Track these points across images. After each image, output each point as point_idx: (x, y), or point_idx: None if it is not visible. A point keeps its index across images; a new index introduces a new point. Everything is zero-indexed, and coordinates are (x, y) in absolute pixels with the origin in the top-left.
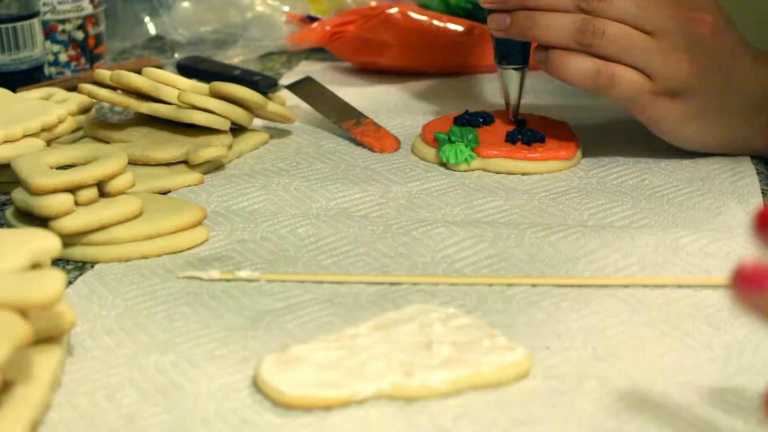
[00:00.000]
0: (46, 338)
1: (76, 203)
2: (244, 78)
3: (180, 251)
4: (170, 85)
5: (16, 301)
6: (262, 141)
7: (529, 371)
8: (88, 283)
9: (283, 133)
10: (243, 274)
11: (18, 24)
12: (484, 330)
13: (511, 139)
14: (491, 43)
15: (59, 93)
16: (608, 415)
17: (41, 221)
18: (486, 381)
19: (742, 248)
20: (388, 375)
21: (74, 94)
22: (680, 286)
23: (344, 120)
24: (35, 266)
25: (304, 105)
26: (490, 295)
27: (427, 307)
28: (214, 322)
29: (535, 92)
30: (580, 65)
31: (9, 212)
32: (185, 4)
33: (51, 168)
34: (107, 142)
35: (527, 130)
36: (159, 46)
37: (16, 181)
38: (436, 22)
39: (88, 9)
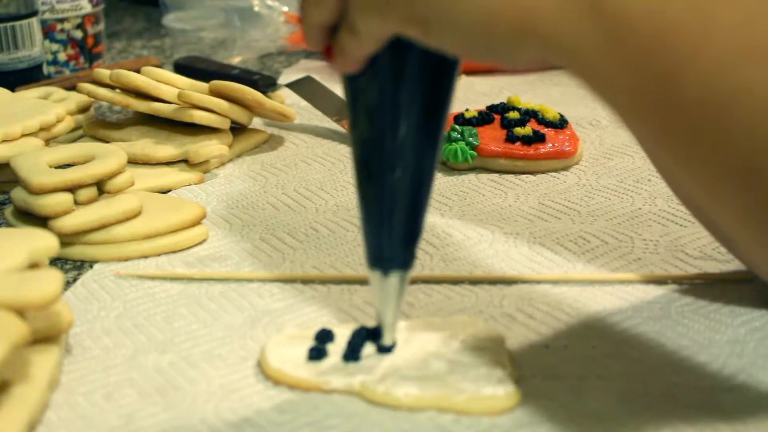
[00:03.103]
0: (44, 338)
1: (76, 202)
2: (243, 77)
3: (179, 250)
4: (169, 84)
5: (13, 301)
6: (262, 140)
7: (509, 409)
8: (87, 284)
9: (282, 132)
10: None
11: (17, 23)
12: (495, 356)
13: (511, 138)
14: None
15: (58, 92)
16: (608, 415)
17: (41, 220)
18: (453, 406)
19: None
20: (362, 374)
21: (73, 94)
22: (680, 284)
23: (344, 118)
24: (33, 266)
25: (303, 103)
26: (490, 294)
27: (469, 321)
28: (213, 322)
29: (534, 92)
30: None
31: (8, 211)
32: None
33: (50, 167)
34: (106, 142)
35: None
36: (158, 45)
37: (15, 181)
38: None
39: (87, 8)
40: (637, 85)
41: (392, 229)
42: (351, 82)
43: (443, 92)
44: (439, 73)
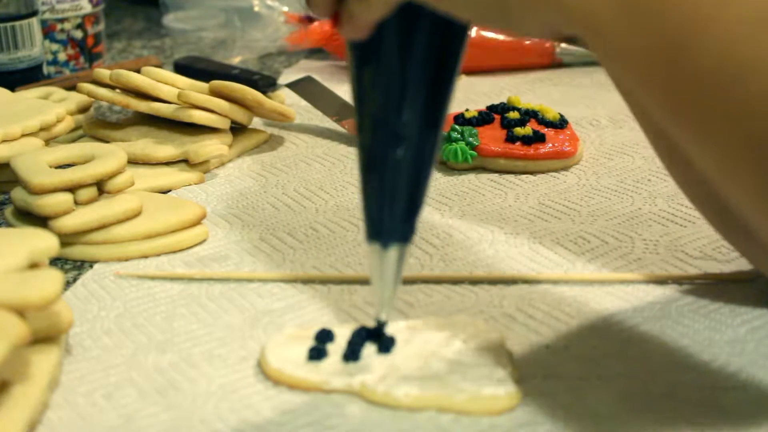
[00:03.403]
0: (44, 338)
1: (76, 202)
2: (243, 77)
3: (179, 250)
4: (169, 84)
5: (13, 301)
6: (262, 140)
7: (509, 409)
8: (87, 284)
9: (282, 132)
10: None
11: (17, 23)
12: (495, 356)
13: (511, 138)
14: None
15: (58, 92)
16: (608, 415)
17: (41, 220)
18: (453, 406)
19: None
20: (362, 374)
21: (73, 94)
22: (680, 284)
23: (344, 118)
24: (33, 266)
25: (303, 103)
26: (490, 294)
27: (469, 321)
28: (213, 322)
29: (535, 92)
30: None
31: (8, 212)
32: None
33: (50, 167)
34: (106, 142)
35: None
36: (158, 45)
37: (16, 181)
38: None
39: (87, 8)
40: (649, 50)
41: (393, 202)
42: (357, 52)
43: (448, 72)
44: (444, 52)
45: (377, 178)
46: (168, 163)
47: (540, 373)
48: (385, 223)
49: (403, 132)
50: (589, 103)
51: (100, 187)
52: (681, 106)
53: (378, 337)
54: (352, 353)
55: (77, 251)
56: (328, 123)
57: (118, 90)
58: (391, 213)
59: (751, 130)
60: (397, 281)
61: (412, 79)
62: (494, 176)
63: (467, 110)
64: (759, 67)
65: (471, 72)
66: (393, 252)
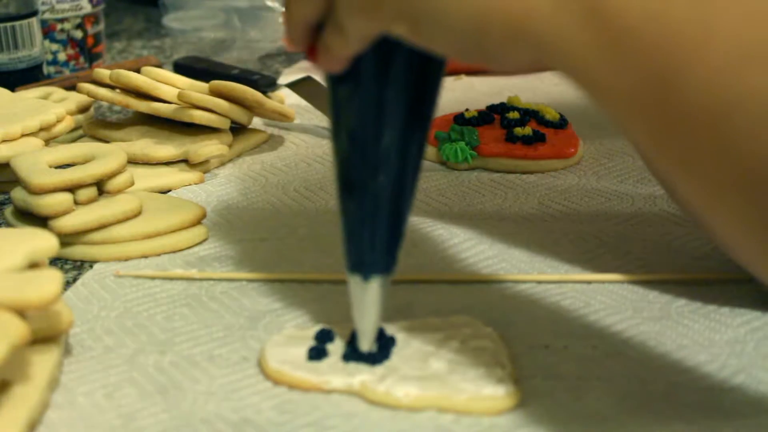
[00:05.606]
0: (44, 338)
1: (76, 202)
2: (243, 77)
3: (179, 250)
4: (169, 84)
5: (13, 300)
6: (262, 140)
7: (509, 409)
8: (87, 284)
9: (282, 132)
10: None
11: (16, 23)
12: (495, 356)
13: (511, 138)
14: None
15: (58, 92)
16: (608, 415)
17: (40, 220)
18: (454, 406)
19: None
20: (362, 374)
21: (73, 94)
22: (680, 284)
23: None
24: (33, 266)
25: (304, 103)
26: (490, 293)
27: (469, 321)
28: (214, 322)
29: (534, 91)
30: None
31: (8, 211)
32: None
33: (50, 167)
34: (106, 142)
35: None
36: (158, 45)
37: (15, 181)
38: None
39: (87, 8)
40: (634, 90)
41: (374, 234)
42: (334, 84)
43: (428, 96)
44: (423, 77)
45: (357, 208)
46: (168, 163)
47: (540, 373)
48: (366, 255)
49: (382, 159)
50: (589, 103)
51: (100, 187)
52: (667, 143)
53: (378, 338)
54: (352, 353)
55: (77, 251)
56: (328, 123)
57: (118, 90)
58: (372, 243)
59: (738, 166)
60: (379, 312)
61: (390, 108)
62: (494, 176)
63: (467, 110)
64: (744, 103)
65: (471, 72)
66: (374, 284)
